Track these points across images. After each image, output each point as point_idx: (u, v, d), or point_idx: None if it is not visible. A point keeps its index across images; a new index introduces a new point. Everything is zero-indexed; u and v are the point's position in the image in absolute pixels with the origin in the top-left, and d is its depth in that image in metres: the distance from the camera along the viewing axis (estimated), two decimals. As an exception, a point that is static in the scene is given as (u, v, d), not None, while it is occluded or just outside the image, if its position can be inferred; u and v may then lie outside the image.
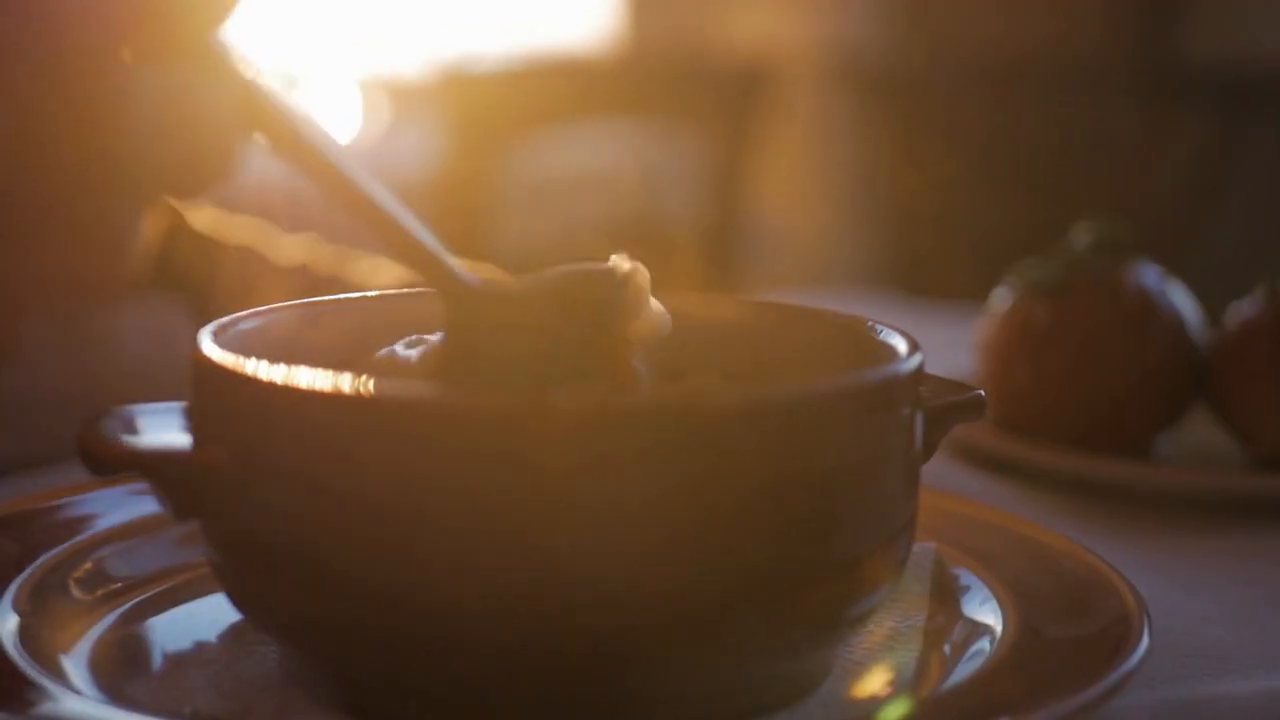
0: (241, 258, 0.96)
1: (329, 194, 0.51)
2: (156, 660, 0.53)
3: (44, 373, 0.77)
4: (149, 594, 0.57)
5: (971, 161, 2.91)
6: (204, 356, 0.48)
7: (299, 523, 0.46)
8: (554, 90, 2.74)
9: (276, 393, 0.45)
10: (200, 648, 0.53)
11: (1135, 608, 0.53)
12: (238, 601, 0.50)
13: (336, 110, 3.06)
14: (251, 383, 0.46)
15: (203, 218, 0.96)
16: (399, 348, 0.55)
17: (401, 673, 0.46)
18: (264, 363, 0.46)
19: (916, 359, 0.50)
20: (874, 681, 0.52)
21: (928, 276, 2.72)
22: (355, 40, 3.17)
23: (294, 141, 0.51)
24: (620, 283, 0.55)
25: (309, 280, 0.97)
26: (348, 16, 3.17)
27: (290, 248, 0.99)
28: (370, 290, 0.93)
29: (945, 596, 0.57)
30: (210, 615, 0.55)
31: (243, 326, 0.53)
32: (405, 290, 0.60)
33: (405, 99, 3.09)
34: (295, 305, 0.57)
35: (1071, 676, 0.49)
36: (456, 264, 0.54)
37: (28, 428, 0.75)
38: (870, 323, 0.55)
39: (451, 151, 2.72)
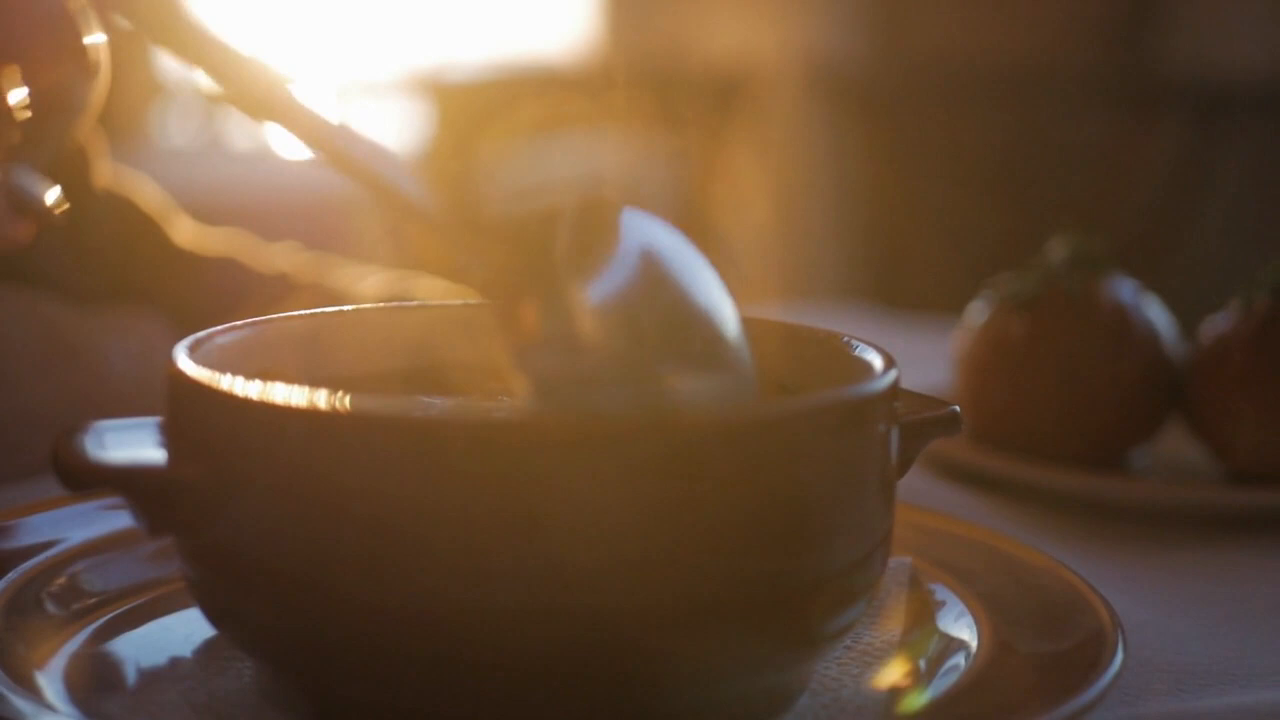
0: (222, 268, 0.96)
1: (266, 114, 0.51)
2: (131, 676, 0.53)
3: (27, 390, 0.77)
4: (123, 609, 0.56)
5: (947, 173, 2.92)
6: (179, 371, 0.48)
7: (274, 538, 0.46)
8: (532, 100, 2.74)
9: (252, 408, 0.45)
10: (175, 663, 0.53)
11: (1110, 623, 0.53)
12: (212, 617, 0.50)
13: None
14: (226, 398, 0.46)
15: (183, 230, 0.96)
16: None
17: (376, 689, 0.46)
18: (239, 378, 0.46)
19: (892, 375, 0.50)
20: (850, 696, 0.52)
21: (904, 288, 2.73)
22: (333, 48, 3.17)
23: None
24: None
25: (290, 289, 0.97)
26: (325, 24, 3.17)
27: (271, 257, 0.99)
28: (350, 299, 0.93)
29: (921, 611, 0.57)
30: (185, 630, 0.55)
31: (219, 341, 0.53)
32: (383, 302, 0.60)
33: (382, 107, 3.09)
34: (273, 319, 0.57)
35: (1046, 692, 0.49)
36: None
37: (11, 445, 0.75)
38: (846, 338, 0.56)
39: (429, 160, 2.72)
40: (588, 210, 0.50)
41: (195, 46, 0.51)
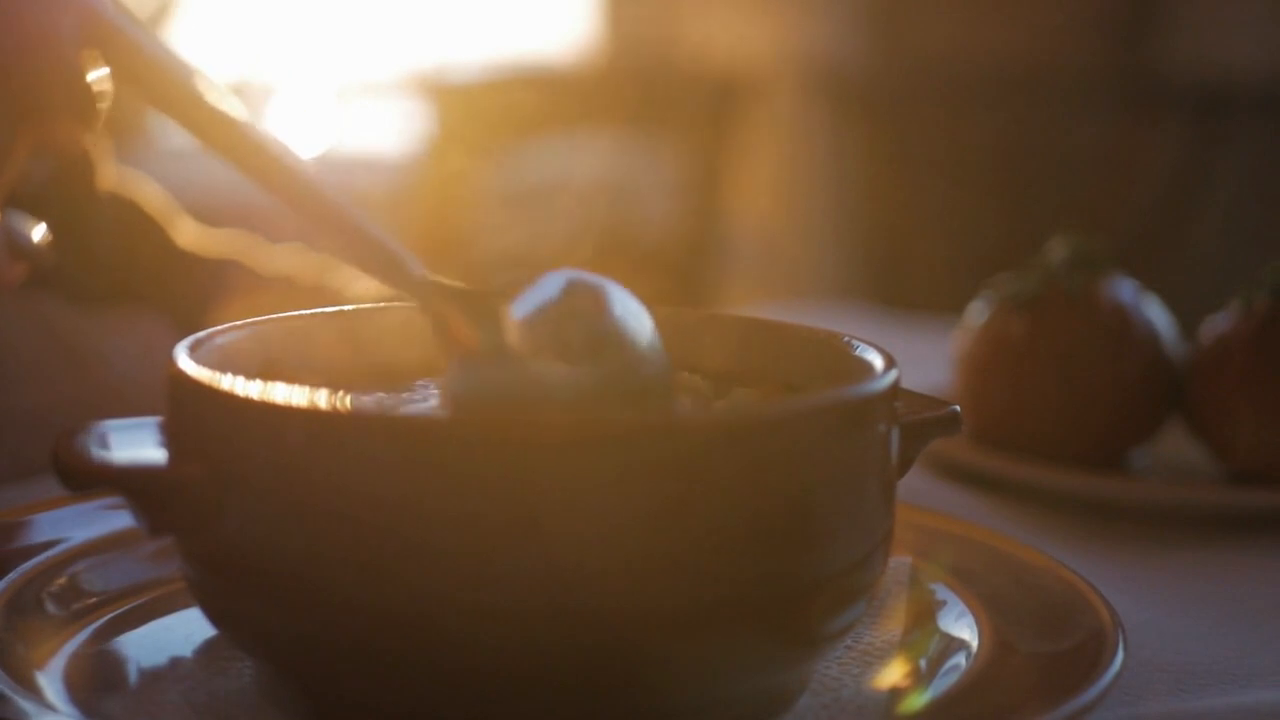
0: (224, 269, 0.96)
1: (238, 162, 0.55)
2: (131, 676, 0.53)
3: (28, 391, 0.77)
4: (124, 609, 0.56)
5: (948, 173, 2.92)
6: (179, 371, 0.48)
7: (274, 538, 0.46)
8: (531, 100, 2.74)
9: (252, 408, 0.45)
10: (175, 663, 0.53)
11: (1110, 623, 0.53)
12: (212, 617, 0.50)
13: (314, 118, 3.06)
14: (227, 398, 0.46)
15: (185, 231, 0.96)
16: None
17: (376, 689, 0.46)
18: (239, 378, 0.46)
19: (892, 375, 0.50)
20: (850, 696, 0.52)
21: (904, 288, 2.73)
22: (334, 48, 3.17)
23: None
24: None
25: (293, 290, 0.97)
26: (327, 24, 3.17)
27: (272, 258, 0.99)
28: (352, 301, 0.93)
29: (921, 611, 0.57)
30: (185, 630, 0.55)
31: (219, 341, 0.53)
32: (386, 303, 0.60)
33: (383, 108, 3.09)
34: (273, 319, 0.57)
35: (1046, 692, 0.49)
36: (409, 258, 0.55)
37: (11, 445, 0.75)
38: (846, 338, 0.56)
39: (429, 160, 2.72)
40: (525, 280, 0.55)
41: (202, 121, 0.56)
